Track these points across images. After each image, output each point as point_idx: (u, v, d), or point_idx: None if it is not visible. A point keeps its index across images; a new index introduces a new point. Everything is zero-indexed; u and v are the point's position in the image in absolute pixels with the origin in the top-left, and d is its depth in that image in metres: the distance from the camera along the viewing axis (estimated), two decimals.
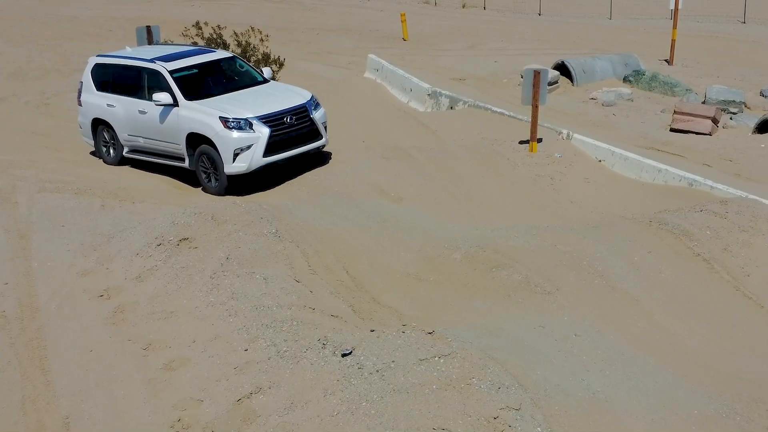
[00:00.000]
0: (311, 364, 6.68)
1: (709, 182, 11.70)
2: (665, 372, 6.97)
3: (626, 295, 8.42)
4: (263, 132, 11.86)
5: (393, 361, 6.46)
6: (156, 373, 7.13)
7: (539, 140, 13.44)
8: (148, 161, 13.17)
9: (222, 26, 19.08)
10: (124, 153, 13.40)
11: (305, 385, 6.46)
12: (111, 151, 13.58)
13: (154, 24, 18.48)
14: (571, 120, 15.25)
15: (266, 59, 18.17)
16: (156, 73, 12.64)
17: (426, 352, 6.53)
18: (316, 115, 12.65)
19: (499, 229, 9.98)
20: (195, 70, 12.98)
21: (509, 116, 15.20)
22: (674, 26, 20.22)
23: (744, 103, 16.07)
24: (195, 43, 18.04)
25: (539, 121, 13.45)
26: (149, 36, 17.04)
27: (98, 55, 14.12)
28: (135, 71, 13.01)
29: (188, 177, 12.95)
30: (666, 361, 7.28)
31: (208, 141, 11.97)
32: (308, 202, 10.86)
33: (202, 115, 12.01)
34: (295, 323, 7.38)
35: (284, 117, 12.14)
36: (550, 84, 15.66)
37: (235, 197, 11.76)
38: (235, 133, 11.77)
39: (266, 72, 13.67)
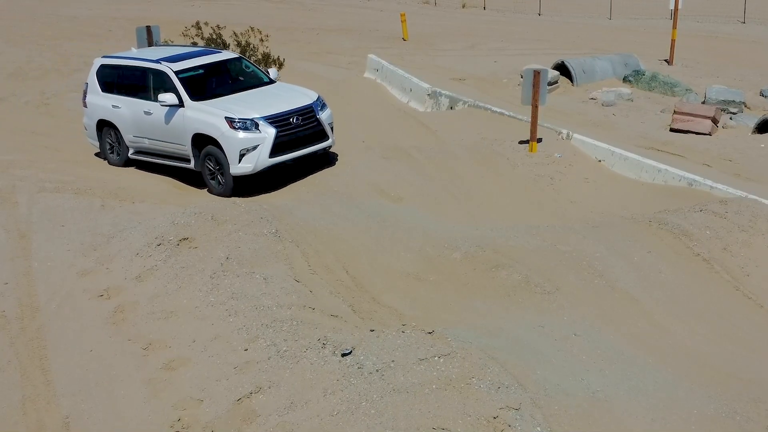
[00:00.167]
0: (311, 363, 6.69)
1: (709, 182, 11.70)
2: (665, 372, 6.97)
3: (626, 295, 8.42)
4: (269, 132, 11.81)
5: (393, 361, 6.46)
6: (156, 372, 7.13)
7: (539, 140, 13.44)
8: (154, 162, 13.12)
9: (222, 26, 19.11)
10: (129, 154, 13.36)
11: (305, 384, 6.46)
12: (116, 152, 13.54)
13: (154, 24, 18.47)
14: (571, 120, 15.25)
15: (266, 59, 18.18)
16: (161, 74, 12.60)
17: (426, 352, 6.54)
18: (323, 116, 12.60)
19: (499, 229, 9.98)
20: (201, 71, 12.95)
21: (509, 116, 15.20)
22: (674, 26, 20.22)
23: (744, 103, 16.07)
24: (195, 43, 18.06)
25: (539, 121, 13.45)
26: (149, 36, 17.03)
27: (103, 56, 14.08)
28: (140, 72, 12.98)
29: (188, 177, 12.96)
30: (666, 360, 7.28)
31: (214, 142, 11.92)
32: (308, 202, 10.86)
33: (208, 115, 11.96)
34: (295, 323, 7.38)
35: (290, 117, 12.10)
36: (549, 84, 15.67)
37: (235, 197, 11.76)
38: (241, 134, 11.71)
39: (272, 73, 13.61)
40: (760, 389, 6.86)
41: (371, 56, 20.35)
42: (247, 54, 18.03)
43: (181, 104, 12.25)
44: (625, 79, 18.24)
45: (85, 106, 13.85)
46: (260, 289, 8.02)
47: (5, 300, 8.51)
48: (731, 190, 11.30)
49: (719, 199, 10.82)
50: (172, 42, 18.22)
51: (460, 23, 28.72)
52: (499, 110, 15.59)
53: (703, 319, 8.28)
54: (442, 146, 13.89)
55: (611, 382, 6.56)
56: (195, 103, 12.20)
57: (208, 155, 12.10)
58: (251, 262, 8.54)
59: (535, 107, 13.34)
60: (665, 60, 20.16)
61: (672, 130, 14.52)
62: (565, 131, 13.97)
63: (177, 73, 12.51)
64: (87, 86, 13.85)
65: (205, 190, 12.57)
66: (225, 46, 17.82)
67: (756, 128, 14.47)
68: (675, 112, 14.67)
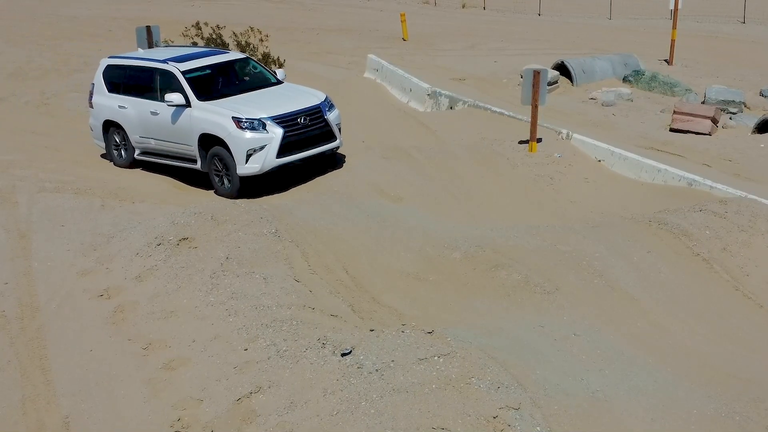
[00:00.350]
0: (311, 363, 6.69)
1: (709, 182, 11.71)
2: (665, 372, 6.97)
3: (626, 295, 8.43)
4: (277, 133, 11.74)
5: (392, 361, 6.46)
6: (156, 372, 7.13)
7: (539, 140, 13.45)
8: (160, 163, 13.06)
9: (222, 26, 19.10)
10: (135, 155, 13.28)
11: (305, 384, 6.46)
12: (122, 153, 13.47)
13: (154, 24, 18.47)
14: (571, 120, 15.26)
15: (266, 59, 18.19)
16: (168, 74, 12.53)
17: (425, 352, 6.54)
18: (330, 116, 12.51)
19: (499, 229, 9.98)
20: (208, 71, 12.88)
21: (509, 116, 15.21)
22: (674, 26, 20.22)
23: (743, 103, 16.08)
24: (195, 43, 18.06)
25: (539, 121, 13.45)
26: (149, 36, 17.03)
27: (110, 57, 14.01)
28: (147, 72, 12.91)
29: (188, 177, 12.96)
30: (666, 360, 7.28)
31: (221, 142, 11.84)
32: (308, 202, 10.86)
33: (215, 115, 11.89)
34: (294, 323, 7.39)
35: (298, 118, 12.03)
36: (549, 84, 15.67)
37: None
38: (248, 134, 11.64)
39: (279, 73, 13.52)
40: (760, 389, 6.87)
41: (371, 56, 20.36)
42: (247, 54, 18.03)
43: (188, 104, 12.18)
44: (625, 79, 18.25)
45: (91, 106, 13.77)
46: (260, 289, 8.03)
47: (5, 300, 8.52)
48: (731, 190, 11.30)
49: (719, 199, 10.82)
50: (172, 42, 18.22)
51: (460, 23, 28.73)
52: (499, 110, 15.60)
53: (703, 319, 8.28)
54: (442, 146, 13.89)
55: (611, 382, 6.56)
56: (202, 103, 12.14)
57: (215, 156, 12.02)
58: (251, 262, 8.54)
59: (535, 107, 13.34)
60: (665, 60, 20.17)
61: (672, 130, 14.52)
62: (564, 131, 13.97)
63: (184, 73, 12.44)
64: (93, 87, 13.78)
65: (205, 189, 12.56)
66: (225, 46, 17.83)
67: (756, 128, 14.48)
68: (675, 112, 14.67)
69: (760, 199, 10.68)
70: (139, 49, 14.68)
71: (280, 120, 11.84)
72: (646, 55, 20.09)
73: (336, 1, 35.28)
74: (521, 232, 9.71)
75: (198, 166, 12.41)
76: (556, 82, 17.58)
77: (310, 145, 12.22)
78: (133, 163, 13.39)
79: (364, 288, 8.66)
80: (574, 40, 23.94)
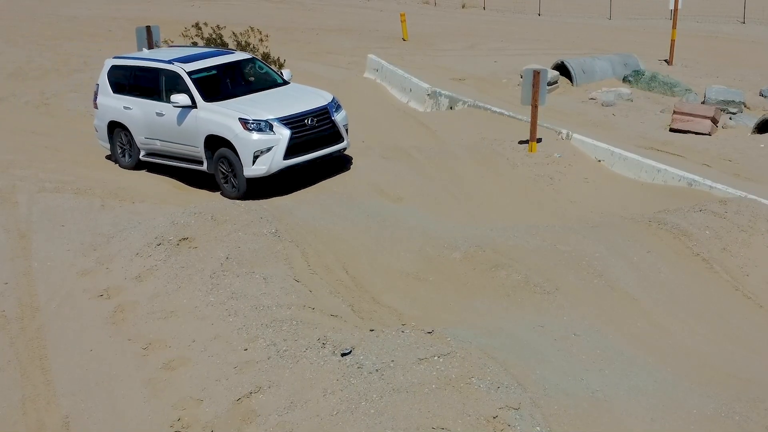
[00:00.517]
0: (311, 363, 6.69)
1: (709, 182, 11.72)
2: (665, 372, 6.98)
3: (626, 295, 8.43)
4: (284, 134, 11.63)
5: (392, 361, 6.46)
6: (156, 372, 7.13)
7: (539, 140, 13.45)
8: (165, 165, 12.97)
9: (221, 26, 19.09)
10: (140, 156, 13.18)
11: (305, 384, 6.47)
12: (127, 154, 13.37)
13: (154, 24, 18.46)
14: (571, 120, 15.26)
15: (266, 59, 18.18)
16: (174, 75, 12.44)
17: (425, 352, 6.54)
18: (338, 117, 12.38)
19: (499, 229, 9.98)
20: (214, 72, 12.76)
21: (509, 116, 15.21)
22: (674, 26, 20.23)
23: (743, 103, 16.08)
24: (195, 43, 18.05)
25: (539, 121, 13.46)
26: (149, 36, 17.02)
27: (115, 57, 13.92)
28: (152, 73, 12.81)
29: (188, 177, 12.95)
30: (666, 360, 7.29)
31: (227, 143, 11.74)
32: (308, 202, 10.86)
33: (221, 116, 11.79)
34: (294, 323, 7.39)
35: (305, 119, 11.90)
36: (549, 84, 15.67)
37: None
38: (255, 135, 11.54)
39: (286, 74, 13.40)
40: (760, 389, 6.87)
41: (371, 56, 20.36)
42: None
43: (193, 105, 12.07)
44: (624, 79, 18.25)
45: (96, 107, 13.68)
46: (260, 289, 8.03)
47: (5, 300, 8.52)
48: (731, 190, 11.31)
49: (719, 199, 10.83)
50: (172, 42, 18.21)
51: (460, 23, 28.73)
52: (499, 110, 15.60)
53: (702, 319, 8.28)
54: (442, 146, 13.90)
55: (611, 382, 6.57)
56: (208, 104, 12.03)
57: (221, 157, 11.91)
58: (251, 262, 8.54)
59: (534, 107, 13.34)
60: (665, 60, 20.17)
61: (671, 130, 14.53)
62: (564, 131, 13.98)
63: (190, 73, 12.33)
64: (98, 87, 13.67)
65: (205, 190, 12.56)
66: (225, 47, 17.81)
67: (756, 128, 14.48)
68: (674, 112, 14.68)
69: (760, 199, 10.69)
70: (144, 49, 14.61)
71: (287, 121, 11.73)
72: (646, 55, 20.09)
73: (336, 1, 35.28)
74: (521, 232, 9.71)
75: (204, 167, 12.30)
76: (556, 82, 17.58)
77: (318, 147, 12.09)
78: (139, 165, 13.29)
79: (364, 288, 8.66)
80: (574, 40, 23.94)
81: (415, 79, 18.07)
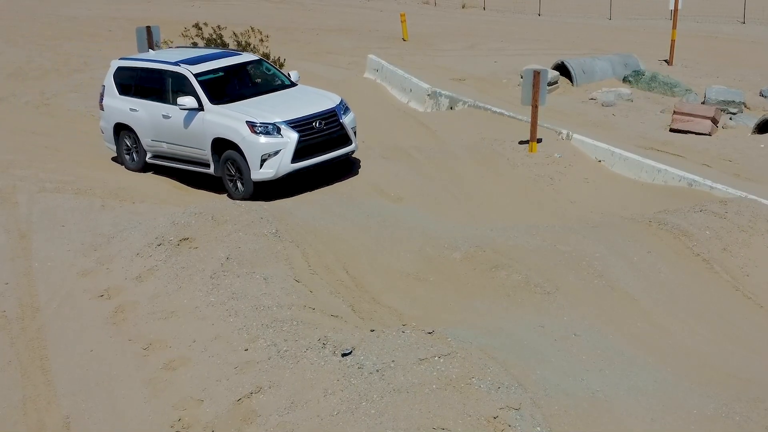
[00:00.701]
0: (311, 363, 6.69)
1: (709, 182, 11.72)
2: (665, 372, 6.98)
3: (626, 295, 8.43)
4: (292, 137, 11.50)
5: (393, 361, 6.47)
6: (156, 372, 7.14)
7: (539, 140, 13.45)
8: (172, 167, 12.89)
9: (222, 26, 19.09)
10: (147, 159, 13.10)
11: (305, 384, 6.47)
12: (133, 156, 13.28)
13: (154, 24, 18.46)
14: (571, 120, 15.27)
15: (266, 60, 18.19)
16: (181, 77, 12.34)
17: (426, 352, 6.54)
18: (346, 120, 12.25)
19: (499, 229, 9.99)
20: (221, 74, 12.67)
21: (509, 116, 15.22)
22: (674, 26, 20.23)
23: (743, 103, 16.08)
24: (195, 44, 18.06)
25: (539, 121, 13.46)
26: (149, 36, 17.02)
27: (121, 58, 13.85)
28: (159, 74, 12.71)
29: (188, 178, 12.95)
30: (666, 360, 7.29)
31: (235, 146, 11.63)
32: (308, 202, 10.87)
33: (229, 119, 11.68)
34: (295, 323, 7.39)
35: (313, 122, 11.77)
36: (549, 84, 15.68)
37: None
38: (263, 138, 11.43)
39: (293, 75, 13.25)
40: (760, 389, 6.87)
41: (371, 56, 20.36)
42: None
43: (200, 108, 11.97)
44: (624, 80, 18.26)
45: (102, 108, 13.58)
46: (260, 289, 8.03)
47: (6, 300, 8.52)
48: (731, 190, 11.32)
49: (719, 200, 10.83)
50: (172, 42, 18.21)
51: (460, 23, 28.73)
52: (499, 110, 15.61)
53: (703, 319, 8.29)
54: (442, 146, 13.90)
55: (611, 382, 6.57)
56: (215, 106, 11.93)
57: (228, 160, 11.81)
58: (251, 262, 8.54)
59: (535, 107, 13.35)
60: (665, 60, 20.17)
61: (672, 130, 14.53)
62: (565, 131, 13.98)
63: (197, 75, 12.22)
64: (104, 88, 13.57)
65: (205, 190, 12.56)
66: (225, 47, 17.82)
67: (756, 128, 14.49)
68: (675, 112, 14.68)
69: (760, 199, 10.69)
70: (151, 50, 14.56)
71: (295, 124, 11.61)
72: (646, 56, 20.09)
73: (336, 1, 35.27)
74: (521, 232, 9.71)
75: (211, 170, 12.21)
76: (556, 82, 17.59)
77: (326, 150, 11.95)
78: (145, 167, 13.21)
79: (364, 288, 8.66)
80: (574, 41, 23.94)
81: (415, 79, 18.08)
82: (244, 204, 10.13)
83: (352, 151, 12.58)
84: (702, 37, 24.36)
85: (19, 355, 7.66)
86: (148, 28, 17.22)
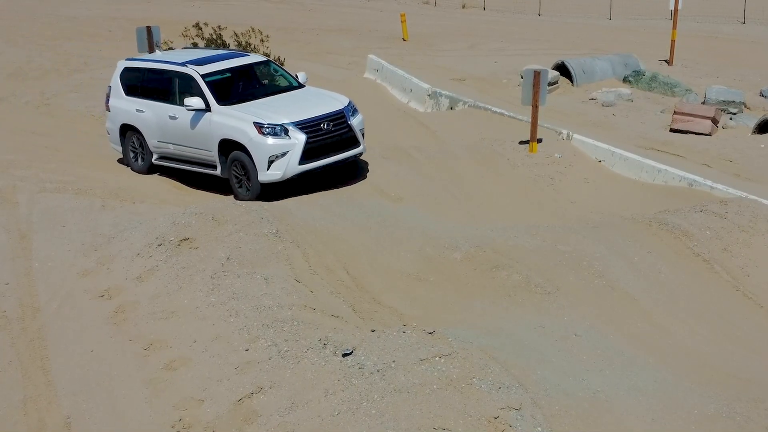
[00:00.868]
0: (312, 364, 6.69)
1: (709, 182, 11.72)
2: (665, 372, 6.98)
3: (626, 295, 8.43)
4: (299, 138, 11.38)
5: (394, 361, 6.47)
6: (157, 372, 7.14)
7: (539, 140, 13.45)
8: (178, 168, 12.83)
9: (222, 26, 19.08)
10: (153, 160, 13.01)
11: (306, 385, 6.47)
12: (139, 158, 13.21)
13: (154, 24, 18.46)
14: (571, 120, 15.27)
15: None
16: (188, 77, 12.26)
17: (426, 352, 6.54)
18: (354, 122, 12.13)
19: (499, 229, 9.99)
20: (228, 74, 12.59)
21: (509, 116, 15.22)
22: (674, 26, 20.23)
23: (744, 103, 16.09)
24: (195, 44, 18.05)
25: (539, 122, 13.46)
26: (149, 37, 17.02)
27: (127, 59, 13.79)
28: (165, 75, 12.63)
29: (188, 178, 12.95)
30: (666, 360, 7.29)
31: (242, 148, 11.54)
32: (308, 202, 10.86)
33: (236, 120, 11.58)
34: (295, 323, 7.39)
35: (321, 123, 11.66)
36: (549, 84, 15.68)
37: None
38: (270, 140, 11.33)
39: (301, 76, 13.14)
40: (760, 389, 6.88)
41: (371, 56, 20.37)
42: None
43: (207, 109, 11.87)
44: (625, 80, 18.26)
45: (108, 109, 13.49)
46: (261, 290, 8.03)
47: (6, 300, 8.52)
48: (731, 190, 11.32)
49: (719, 200, 10.84)
50: (171, 42, 18.22)
51: (460, 23, 28.74)
52: (499, 110, 15.61)
53: (703, 319, 8.29)
54: (442, 146, 13.90)
55: (611, 382, 6.57)
56: (222, 107, 11.83)
57: (235, 161, 11.72)
58: (252, 263, 8.54)
59: (535, 107, 13.35)
60: (665, 60, 20.18)
61: (672, 130, 14.53)
62: (565, 131, 13.98)
63: (204, 76, 12.14)
64: (110, 89, 13.48)
65: (205, 191, 12.55)
66: (225, 47, 17.82)
67: (756, 128, 14.49)
68: (675, 112, 14.69)
69: (760, 199, 10.70)
70: (157, 51, 14.53)
71: (302, 125, 11.50)
72: (646, 56, 20.10)
73: (336, 1, 35.28)
74: (521, 232, 9.72)
75: (218, 172, 12.12)
76: (556, 82, 17.59)
77: (334, 151, 11.85)
78: (151, 168, 13.14)
79: (364, 288, 8.67)
80: (574, 41, 23.95)
81: (415, 80, 18.08)
82: (244, 204, 10.13)
83: (360, 153, 12.47)
84: (702, 37, 24.37)
85: (19, 355, 7.67)
86: (148, 28, 17.22)
